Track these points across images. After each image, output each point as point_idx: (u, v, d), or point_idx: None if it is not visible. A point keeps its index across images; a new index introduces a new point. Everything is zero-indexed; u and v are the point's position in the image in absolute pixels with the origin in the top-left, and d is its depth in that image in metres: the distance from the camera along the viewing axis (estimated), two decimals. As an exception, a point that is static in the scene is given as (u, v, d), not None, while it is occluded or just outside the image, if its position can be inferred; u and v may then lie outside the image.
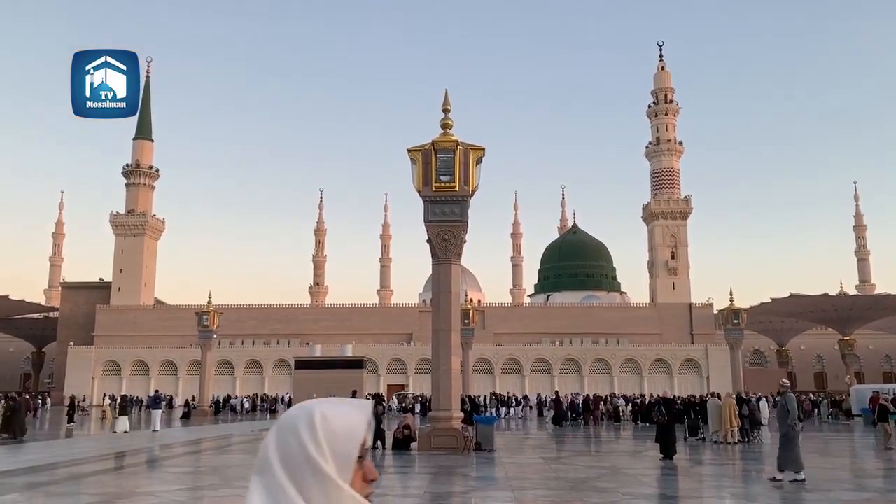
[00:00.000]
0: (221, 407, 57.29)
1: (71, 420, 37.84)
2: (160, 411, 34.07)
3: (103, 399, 51.46)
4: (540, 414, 48.84)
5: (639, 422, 38.75)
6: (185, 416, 46.78)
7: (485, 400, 51.32)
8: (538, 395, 58.42)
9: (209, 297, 51.16)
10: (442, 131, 21.91)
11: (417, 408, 47.73)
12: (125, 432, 30.04)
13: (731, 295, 47.62)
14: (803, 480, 13.41)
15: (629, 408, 44.12)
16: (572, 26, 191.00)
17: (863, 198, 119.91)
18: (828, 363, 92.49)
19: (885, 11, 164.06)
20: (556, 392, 54.05)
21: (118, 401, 37.62)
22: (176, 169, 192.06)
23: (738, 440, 24.61)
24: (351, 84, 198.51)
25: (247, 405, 58.67)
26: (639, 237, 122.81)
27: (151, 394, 47.52)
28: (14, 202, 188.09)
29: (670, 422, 18.86)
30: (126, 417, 32.05)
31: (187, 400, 53.88)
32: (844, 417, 44.53)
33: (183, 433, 32.38)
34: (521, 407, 50.13)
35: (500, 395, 56.99)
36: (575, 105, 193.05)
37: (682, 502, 12.48)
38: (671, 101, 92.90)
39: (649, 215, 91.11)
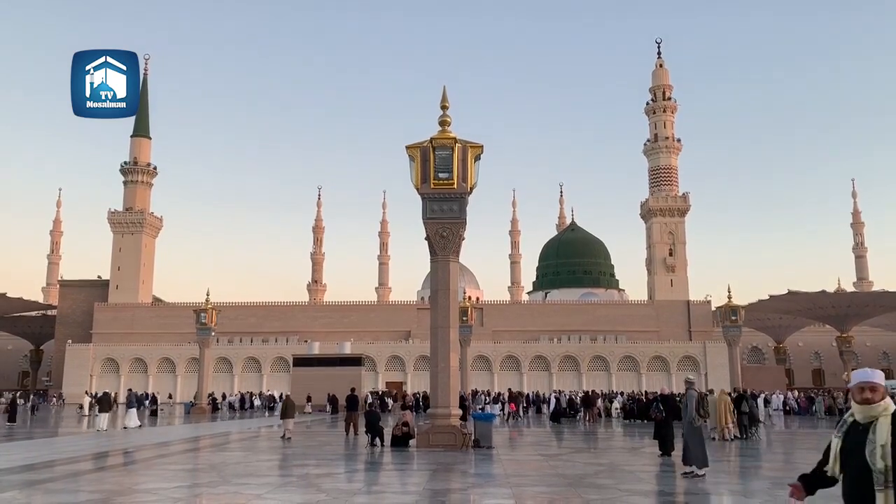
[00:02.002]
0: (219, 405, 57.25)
1: (12, 419, 34.83)
2: (134, 410, 33.49)
3: (85, 396, 51.23)
4: (538, 411, 48.85)
5: (632, 419, 38.69)
6: (154, 414, 46.72)
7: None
8: (534, 393, 58.41)
9: (207, 295, 51.20)
10: (440, 128, 21.91)
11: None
12: (100, 430, 29.40)
13: (729, 292, 47.83)
14: (703, 476, 14.06)
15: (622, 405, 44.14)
16: (571, 23, 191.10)
17: (861, 195, 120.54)
18: (825, 360, 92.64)
19: (883, 7, 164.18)
20: (509, 389, 53.82)
21: (96, 398, 35.81)
22: (174, 166, 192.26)
23: (736, 436, 24.66)
24: (349, 81, 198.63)
25: (256, 402, 58.12)
26: (637, 234, 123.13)
27: (130, 392, 46.63)
28: (12, 199, 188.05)
29: (668, 418, 18.90)
30: (106, 415, 30.96)
31: (154, 396, 53.44)
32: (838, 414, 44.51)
33: (180, 431, 32.31)
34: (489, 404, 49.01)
35: (477, 391, 56.76)
36: (573, 102, 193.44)
37: (680, 498, 12.51)
38: (669, 99, 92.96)
39: (647, 212, 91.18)
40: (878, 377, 4.14)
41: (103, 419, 30.76)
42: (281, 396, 59.25)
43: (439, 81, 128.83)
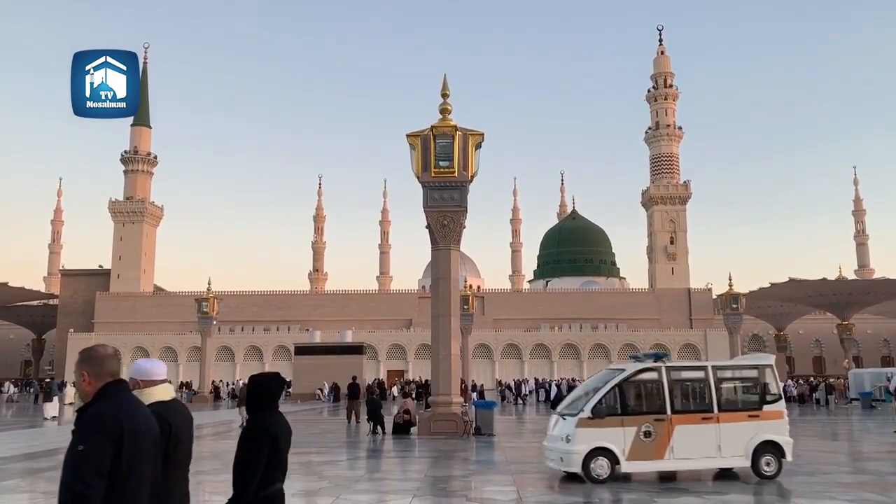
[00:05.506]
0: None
1: None
2: (55, 399, 33.02)
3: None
4: (539, 399, 49.05)
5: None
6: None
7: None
8: (535, 381, 58.53)
9: (209, 284, 51.26)
10: (441, 116, 21.84)
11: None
12: (49, 419, 29.08)
13: (729, 280, 47.83)
14: None
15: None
16: (572, 10, 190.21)
17: (862, 182, 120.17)
18: (826, 347, 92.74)
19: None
20: (473, 381, 53.20)
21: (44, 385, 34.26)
22: (174, 155, 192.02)
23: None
24: (350, 69, 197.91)
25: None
26: (638, 222, 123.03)
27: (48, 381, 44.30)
28: (13, 189, 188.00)
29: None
30: (51, 403, 30.56)
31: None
32: (834, 401, 44.03)
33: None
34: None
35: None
36: (574, 90, 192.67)
37: (680, 485, 12.58)
38: (670, 86, 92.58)
39: (648, 200, 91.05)
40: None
41: (48, 408, 30.38)
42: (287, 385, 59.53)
43: (440, 69, 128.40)
